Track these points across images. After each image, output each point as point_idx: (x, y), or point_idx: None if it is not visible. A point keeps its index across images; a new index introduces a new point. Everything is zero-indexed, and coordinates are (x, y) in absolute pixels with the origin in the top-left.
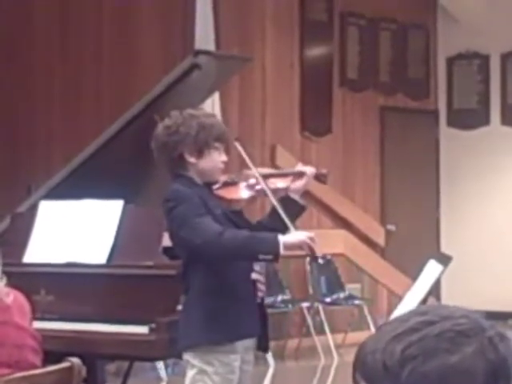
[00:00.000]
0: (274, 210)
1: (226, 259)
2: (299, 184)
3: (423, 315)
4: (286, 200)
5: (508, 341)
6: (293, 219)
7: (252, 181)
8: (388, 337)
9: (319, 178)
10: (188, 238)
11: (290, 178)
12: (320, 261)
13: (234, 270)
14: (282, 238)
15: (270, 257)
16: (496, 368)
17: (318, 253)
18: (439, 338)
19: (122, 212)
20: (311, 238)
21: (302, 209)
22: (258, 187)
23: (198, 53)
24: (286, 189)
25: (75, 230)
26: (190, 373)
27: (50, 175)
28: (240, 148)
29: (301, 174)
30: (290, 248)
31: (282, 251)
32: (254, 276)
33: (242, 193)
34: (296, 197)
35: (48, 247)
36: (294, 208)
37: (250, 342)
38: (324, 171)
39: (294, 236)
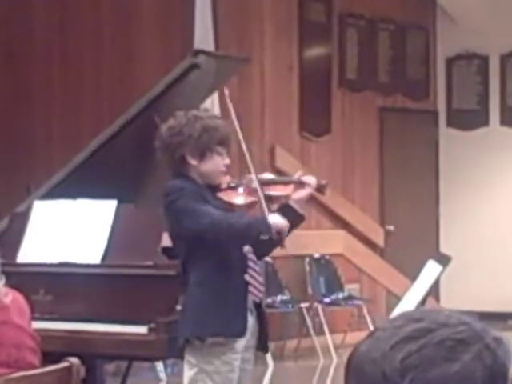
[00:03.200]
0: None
1: (231, 239)
2: (302, 194)
3: (419, 322)
4: (286, 208)
5: (504, 345)
6: (292, 228)
7: (253, 186)
8: (386, 345)
9: (319, 189)
10: (193, 223)
11: (291, 187)
12: (285, 247)
13: (231, 267)
14: (271, 219)
15: (267, 236)
16: (494, 373)
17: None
18: (439, 346)
19: (115, 212)
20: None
21: (301, 219)
22: (255, 196)
23: (197, 53)
24: (287, 197)
25: (68, 230)
26: (190, 373)
27: (50, 175)
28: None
29: (303, 184)
30: (276, 228)
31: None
32: (247, 277)
33: (239, 198)
34: (296, 206)
35: (41, 247)
36: (293, 217)
37: (251, 341)
38: (323, 182)
39: (278, 219)
